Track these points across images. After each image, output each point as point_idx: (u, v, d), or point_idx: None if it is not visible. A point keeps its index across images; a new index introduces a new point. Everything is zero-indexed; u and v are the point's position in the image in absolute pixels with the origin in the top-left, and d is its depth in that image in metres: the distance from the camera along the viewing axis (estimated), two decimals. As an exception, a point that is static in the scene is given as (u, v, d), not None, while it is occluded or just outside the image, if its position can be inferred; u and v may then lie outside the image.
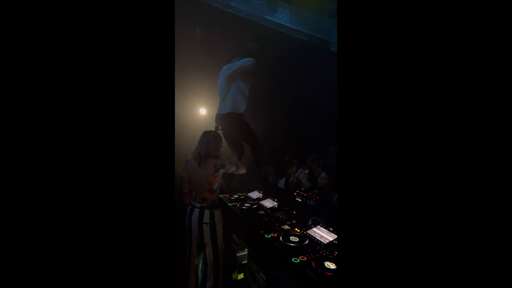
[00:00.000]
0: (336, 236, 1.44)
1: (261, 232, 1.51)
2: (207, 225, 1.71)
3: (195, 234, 1.77)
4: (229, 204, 1.99)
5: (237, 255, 1.99)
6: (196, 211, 1.73)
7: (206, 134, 1.79)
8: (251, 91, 2.56)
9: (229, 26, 3.46)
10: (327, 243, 1.38)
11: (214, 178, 1.73)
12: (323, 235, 1.47)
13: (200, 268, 1.83)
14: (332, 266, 1.15)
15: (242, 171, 1.92)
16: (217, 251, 1.74)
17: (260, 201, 2.05)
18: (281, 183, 2.90)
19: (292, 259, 1.21)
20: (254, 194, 2.22)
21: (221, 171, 1.74)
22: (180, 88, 2.74)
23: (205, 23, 3.36)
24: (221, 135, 1.88)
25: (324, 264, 1.16)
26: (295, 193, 2.09)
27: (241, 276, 2.01)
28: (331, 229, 1.53)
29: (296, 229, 1.54)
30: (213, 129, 2.12)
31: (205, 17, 3.31)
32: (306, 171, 2.32)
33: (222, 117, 2.44)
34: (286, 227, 1.58)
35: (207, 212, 1.71)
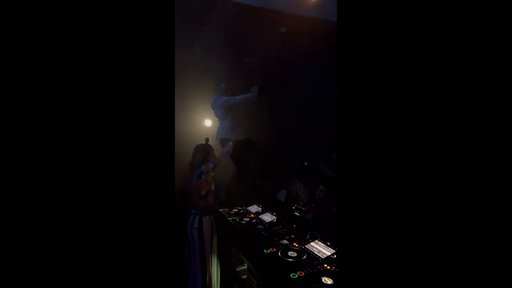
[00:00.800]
0: (334, 251, 1.46)
1: (260, 247, 1.53)
2: (196, 230, 1.83)
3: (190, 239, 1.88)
4: (228, 218, 2.02)
5: (237, 270, 2.00)
6: (191, 217, 1.88)
7: (195, 148, 2.00)
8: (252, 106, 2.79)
9: (228, 42, 3.56)
10: (325, 258, 1.40)
11: (200, 185, 1.87)
12: (321, 249, 1.49)
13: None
14: (329, 281, 1.17)
15: (221, 160, 2.03)
16: (204, 256, 1.81)
17: (259, 215, 2.08)
18: (280, 196, 2.92)
19: (291, 275, 1.23)
20: (253, 208, 2.25)
21: (203, 176, 1.89)
22: (180, 101, 2.87)
23: (205, 41, 3.46)
24: (211, 146, 2.06)
25: (321, 279, 1.18)
26: (293, 207, 2.12)
27: (241, 291, 2.01)
28: (328, 243, 1.56)
29: (294, 243, 1.57)
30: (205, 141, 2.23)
31: (205, 35, 3.41)
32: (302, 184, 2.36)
33: (224, 142, 2.67)
34: (285, 241, 1.60)
35: (197, 218, 1.86)
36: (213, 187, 1.96)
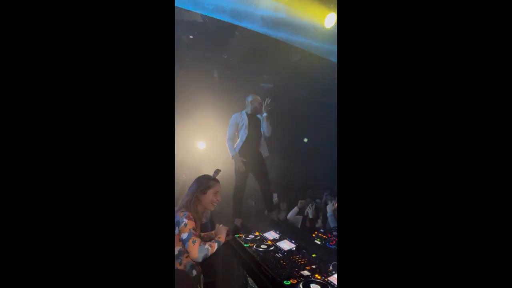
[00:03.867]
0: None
1: (280, 278, 1.43)
2: None
3: None
4: (244, 245, 1.93)
5: (253, 303, 1.87)
6: None
7: (198, 178, 1.57)
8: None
9: (245, 68, 3.70)
10: (352, 293, 1.28)
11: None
12: (347, 283, 1.37)
13: None
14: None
15: (213, 248, 1.44)
16: None
17: (276, 242, 1.97)
18: (292, 214, 2.81)
19: (315, 311, 1.12)
20: (270, 235, 2.14)
21: (183, 224, 1.35)
22: (187, 121, 2.95)
23: (223, 66, 3.61)
24: (218, 183, 1.59)
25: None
26: (313, 234, 2.00)
27: (256, 327, 1.85)
28: (354, 276, 1.43)
29: (316, 275, 1.45)
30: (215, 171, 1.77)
31: (224, 61, 3.57)
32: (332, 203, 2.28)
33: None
34: (306, 272, 1.49)
35: None
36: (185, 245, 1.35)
